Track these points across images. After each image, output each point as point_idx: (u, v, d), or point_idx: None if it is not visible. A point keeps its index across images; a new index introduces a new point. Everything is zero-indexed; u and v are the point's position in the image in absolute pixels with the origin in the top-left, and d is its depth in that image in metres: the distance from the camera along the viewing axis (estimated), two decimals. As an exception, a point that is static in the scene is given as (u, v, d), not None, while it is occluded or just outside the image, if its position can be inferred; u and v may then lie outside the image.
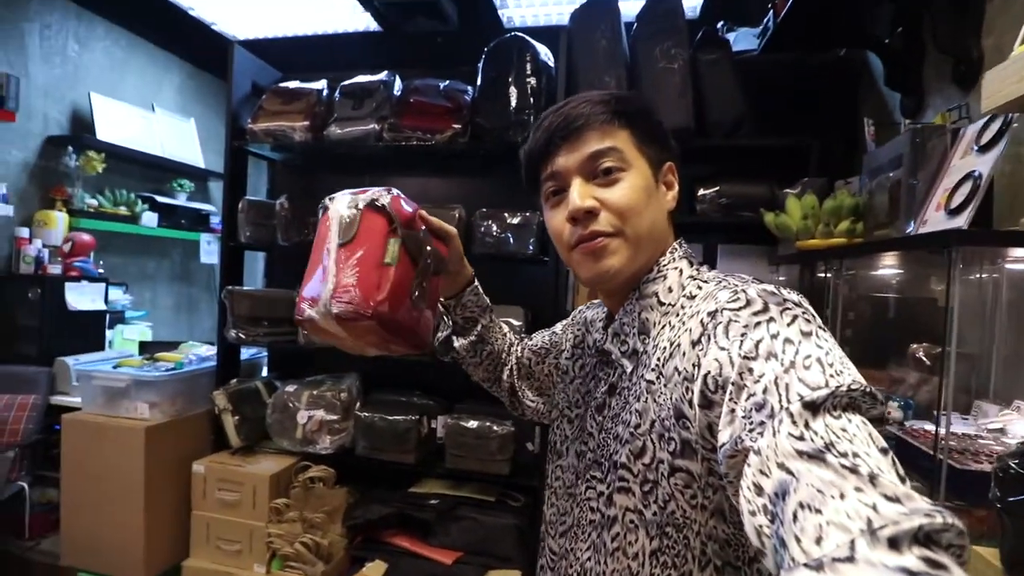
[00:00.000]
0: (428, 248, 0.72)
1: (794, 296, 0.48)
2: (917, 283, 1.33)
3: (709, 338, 0.49)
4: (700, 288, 0.57)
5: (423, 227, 0.73)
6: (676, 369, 0.52)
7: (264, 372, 2.40)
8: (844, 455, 0.34)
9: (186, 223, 3.17)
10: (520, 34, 1.85)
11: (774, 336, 0.44)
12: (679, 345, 0.52)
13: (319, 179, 2.31)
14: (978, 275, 1.20)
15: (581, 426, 0.68)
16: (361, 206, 0.69)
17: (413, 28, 2.33)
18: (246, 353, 2.28)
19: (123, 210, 2.80)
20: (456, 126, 1.88)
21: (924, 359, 1.20)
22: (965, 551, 0.29)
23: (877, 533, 0.28)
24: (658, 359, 0.55)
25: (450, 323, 0.87)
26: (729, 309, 0.49)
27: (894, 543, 0.28)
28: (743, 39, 1.94)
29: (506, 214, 1.87)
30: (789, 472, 0.35)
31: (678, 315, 0.56)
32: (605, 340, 0.65)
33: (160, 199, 2.98)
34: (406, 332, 0.69)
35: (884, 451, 0.35)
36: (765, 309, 0.46)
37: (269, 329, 2.05)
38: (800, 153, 1.67)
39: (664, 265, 0.61)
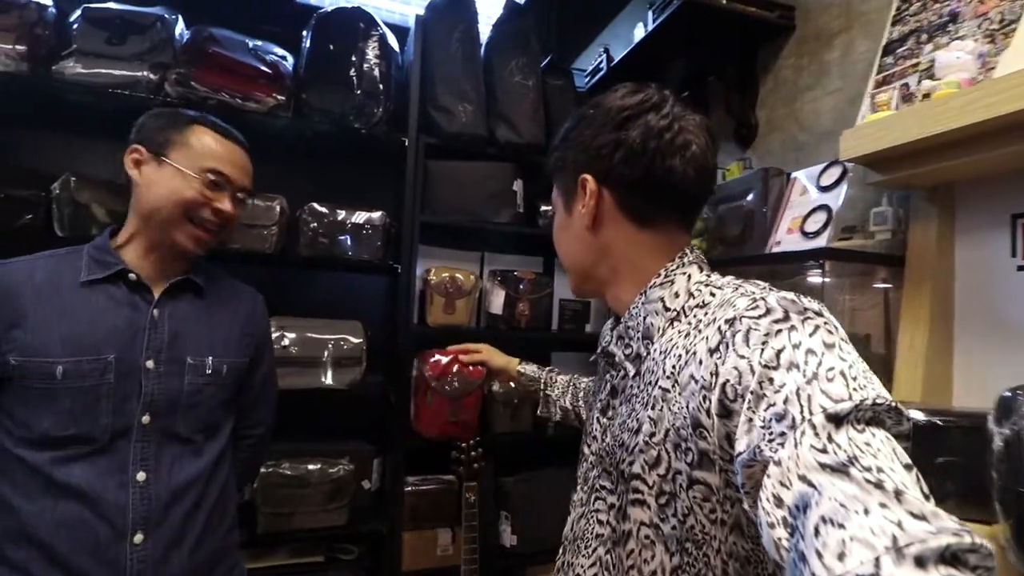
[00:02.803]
0: (455, 384, 1.37)
1: (814, 305, 0.47)
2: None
3: (728, 346, 0.47)
4: (713, 295, 0.55)
5: (454, 367, 1.21)
6: (692, 377, 0.49)
7: None
8: (868, 469, 0.34)
9: None
10: (364, 8, 1.62)
11: (796, 346, 0.43)
12: (695, 353, 0.50)
13: (30, 134, 1.54)
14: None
15: (587, 431, 0.67)
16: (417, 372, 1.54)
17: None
18: None
19: None
20: (279, 97, 1.51)
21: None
22: (991, 573, 0.29)
23: (903, 550, 0.28)
24: (672, 366, 0.52)
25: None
26: (749, 317, 0.47)
27: (920, 561, 0.28)
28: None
29: (341, 211, 1.59)
30: (811, 485, 0.35)
31: (691, 322, 0.54)
32: (610, 342, 0.64)
33: None
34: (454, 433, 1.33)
35: (908, 467, 0.35)
36: (786, 318, 0.45)
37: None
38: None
39: (672, 271, 0.59)
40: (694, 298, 0.56)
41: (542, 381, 1.05)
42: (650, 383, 0.55)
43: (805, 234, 1.09)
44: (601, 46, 1.94)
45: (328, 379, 1.51)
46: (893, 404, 0.38)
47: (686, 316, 0.55)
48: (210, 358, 0.92)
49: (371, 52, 1.60)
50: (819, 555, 0.31)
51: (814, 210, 1.09)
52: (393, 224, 1.64)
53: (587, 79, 1.95)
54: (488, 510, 1.69)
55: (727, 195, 1.35)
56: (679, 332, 0.54)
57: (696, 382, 0.49)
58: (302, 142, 1.66)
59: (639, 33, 1.68)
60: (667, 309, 0.57)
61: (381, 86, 1.59)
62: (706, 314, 0.53)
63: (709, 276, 0.59)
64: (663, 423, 0.52)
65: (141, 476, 0.83)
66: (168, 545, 0.84)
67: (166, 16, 1.49)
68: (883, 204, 1.13)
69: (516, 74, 1.70)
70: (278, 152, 1.70)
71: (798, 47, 1.54)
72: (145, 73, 1.42)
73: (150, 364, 0.86)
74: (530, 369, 1.08)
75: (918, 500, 0.31)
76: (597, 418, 0.63)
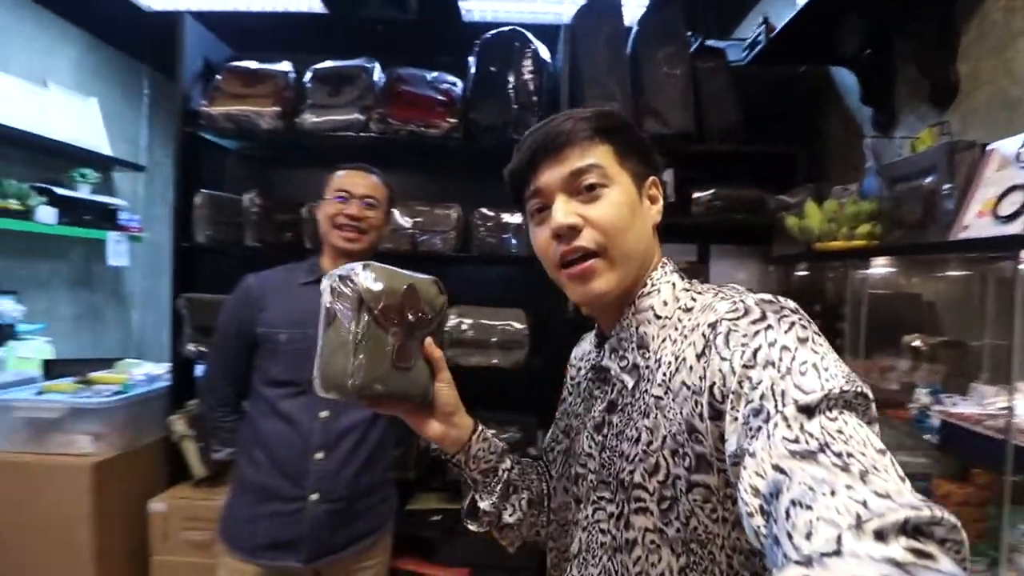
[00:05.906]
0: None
1: (791, 304, 0.49)
2: (902, 281, 1.49)
3: (711, 349, 0.50)
4: (695, 300, 0.57)
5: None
6: (684, 383, 0.52)
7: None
8: (839, 455, 0.35)
9: (90, 219, 2.70)
10: (518, 28, 1.80)
11: (771, 344, 0.45)
12: (684, 359, 0.53)
13: (285, 172, 2.08)
14: (954, 273, 1.37)
15: (574, 450, 0.67)
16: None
17: (367, 14, 2.19)
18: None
19: (13, 203, 2.31)
20: (451, 120, 1.79)
21: (921, 347, 1.33)
22: (963, 547, 0.29)
23: (863, 526, 0.29)
24: (664, 374, 0.55)
25: (470, 486, 0.71)
26: (728, 319, 0.50)
27: (880, 535, 0.28)
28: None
29: (505, 214, 1.82)
30: (783, 472, 0.36)
31: (677, 328, 0.56)
32: (602, 357, 0.63)
33: (59, 191, 2.51)
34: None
35: (882, 452, 0.36)
36: (763, 317, 0.48)
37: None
38: (784, 160, 1.80)
39: (657, 279, 0.61)
40: (679, 302, 0.58)
41: (507, 458, 0.71)
42: (645, 391, 0.56)
43: (999, 218, 0.95)
44: (760, 15, 1.82)
45: (496, 359, 1.77)
46: (860, 389, 0.41)
47: (672, 322, 0.57)
48: None
49: (526, 67, 1.78)
50: (789, 537, 0.32)
51: (1011, 189, 0.95)
52: (549, 222, 1.81)
53: (744, 52, 1.85)
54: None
55: (906, 172, 1.21)
56: (669, 339, 0.56)
57: (688, 388, 0.51)
58: (471, 156, 1.93)
59: (803, -5, 1.55)
60: (659, 317, 0.59)
61: (535, 97, 1.76)
62: (691, 319, 0.55)
63: (690, 283, 0.61)
64: (659, 431, 0.53)
65: (324, 414, 1.17)
66: (339, 465, 1.16)
67: (366, 65, 1.87)
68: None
69: (663, 65, 1.71)
70: (453, 167, 2.00)
71: (1014, -18, 1.27)
72: (356, 115, 1.81)
73: None
74: (491, 436, 0.72)
75: (884, 480, 0.33)
76: (590, 435, 0.63)
